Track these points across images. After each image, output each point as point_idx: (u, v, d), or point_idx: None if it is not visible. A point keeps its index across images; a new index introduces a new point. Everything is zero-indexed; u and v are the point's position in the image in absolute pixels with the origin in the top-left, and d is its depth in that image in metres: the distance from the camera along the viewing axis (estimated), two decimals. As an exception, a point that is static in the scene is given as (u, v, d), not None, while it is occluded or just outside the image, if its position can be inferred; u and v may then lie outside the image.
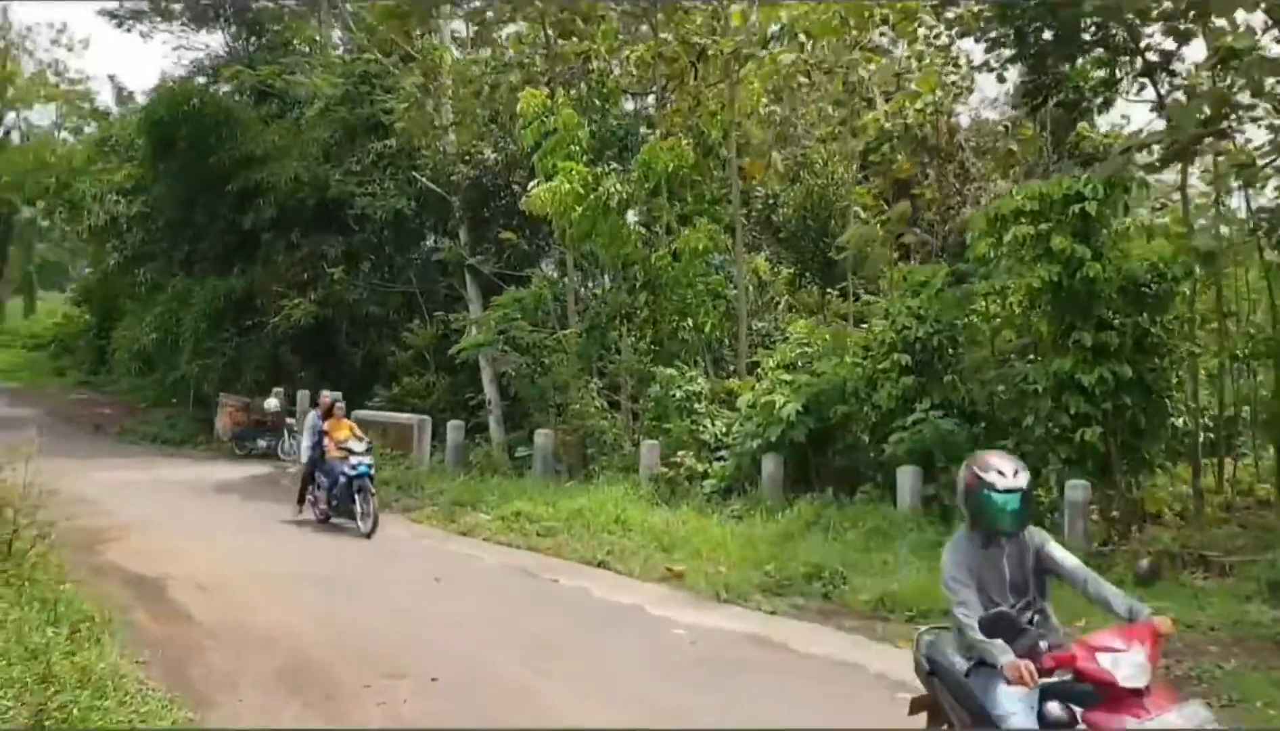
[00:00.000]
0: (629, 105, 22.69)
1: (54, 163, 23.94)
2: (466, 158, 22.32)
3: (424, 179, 22.43)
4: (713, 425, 15.74)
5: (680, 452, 15.05)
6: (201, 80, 24.30)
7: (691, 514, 12.95)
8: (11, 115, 38.39)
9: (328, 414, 14.18)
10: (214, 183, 22.87)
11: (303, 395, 21.57)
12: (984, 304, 12.93)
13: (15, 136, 39.17)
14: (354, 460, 12.97)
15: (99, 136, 26.08)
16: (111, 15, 30.92)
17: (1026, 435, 12.09)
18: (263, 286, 23.13)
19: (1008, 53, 14.12)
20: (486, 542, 12.50)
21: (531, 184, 15.35)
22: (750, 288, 18.50)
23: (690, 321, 15.95)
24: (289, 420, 21.00)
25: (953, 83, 15.54)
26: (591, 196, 14.35)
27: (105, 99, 36.15)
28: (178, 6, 30.56)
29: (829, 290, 20.45)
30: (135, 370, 22.92)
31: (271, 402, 20.87)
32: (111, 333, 27.32)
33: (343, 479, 12.99)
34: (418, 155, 22.96)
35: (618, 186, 14.43)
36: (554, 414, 18.37)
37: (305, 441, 14.06)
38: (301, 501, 13.87)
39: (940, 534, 11.28)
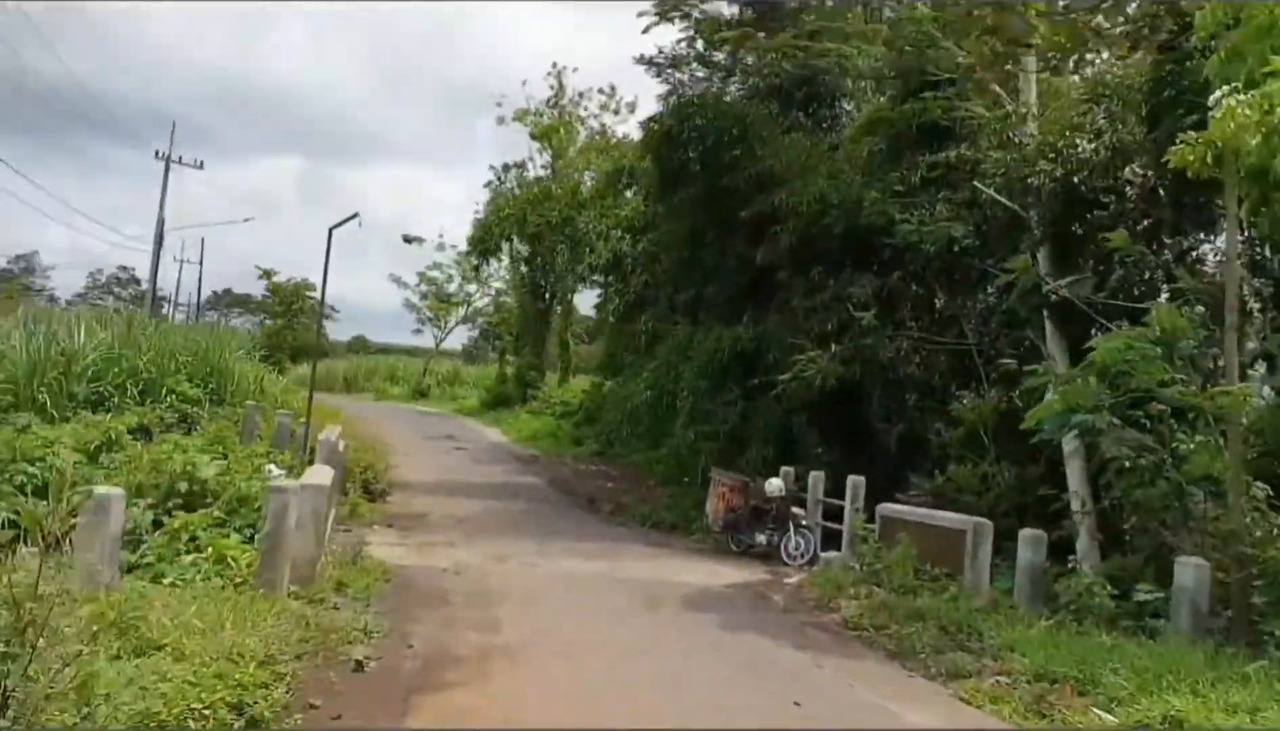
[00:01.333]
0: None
1: (558, 195, 22.41)
2: (1052, 154, 16.36)
3: (989, 190, 16.90)
4: None
5: None
6: (715, 82, 21.15)
7: None
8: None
9: None
10: (725, 210, 19.59)
11: (816, 478, 16.96)
12: None
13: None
14: None
15: (610, 167, 24.50)
16: (650, 63, 29.92)
17: None
18: (775, 338, 19.16)
19: None
20: (1118, 784, 6.40)
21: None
22: None
23: None
24: (796, 510, 16.47)
25: None
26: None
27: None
28: (719, 56, 28.65)
29: None
30: (629, 434, 19.96)
31: (774, 484, 16.54)
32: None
33: None
34: (985, 159, 17.57)
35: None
36: (1202, 534, 11.65)
37: None
38: None
39: None
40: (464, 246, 42.41)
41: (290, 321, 48.98)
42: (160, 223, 50.58)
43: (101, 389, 21.11)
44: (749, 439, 18.96)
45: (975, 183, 17.34)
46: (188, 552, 10.03)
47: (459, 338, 70.86)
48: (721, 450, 18.88)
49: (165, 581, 9.15)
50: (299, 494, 9.18)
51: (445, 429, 34.75)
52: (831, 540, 16.49)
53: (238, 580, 9.27)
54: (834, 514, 16.70)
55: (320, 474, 10.81)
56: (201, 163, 52.53)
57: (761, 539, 16.55)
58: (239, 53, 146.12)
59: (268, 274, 50.26)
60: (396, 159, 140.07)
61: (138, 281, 58.62)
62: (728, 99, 20.23)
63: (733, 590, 13.38)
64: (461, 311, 58.07)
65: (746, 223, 19.49)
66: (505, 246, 23.50)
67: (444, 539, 14.87)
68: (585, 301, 40.17)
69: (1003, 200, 16.81)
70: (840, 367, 18.16)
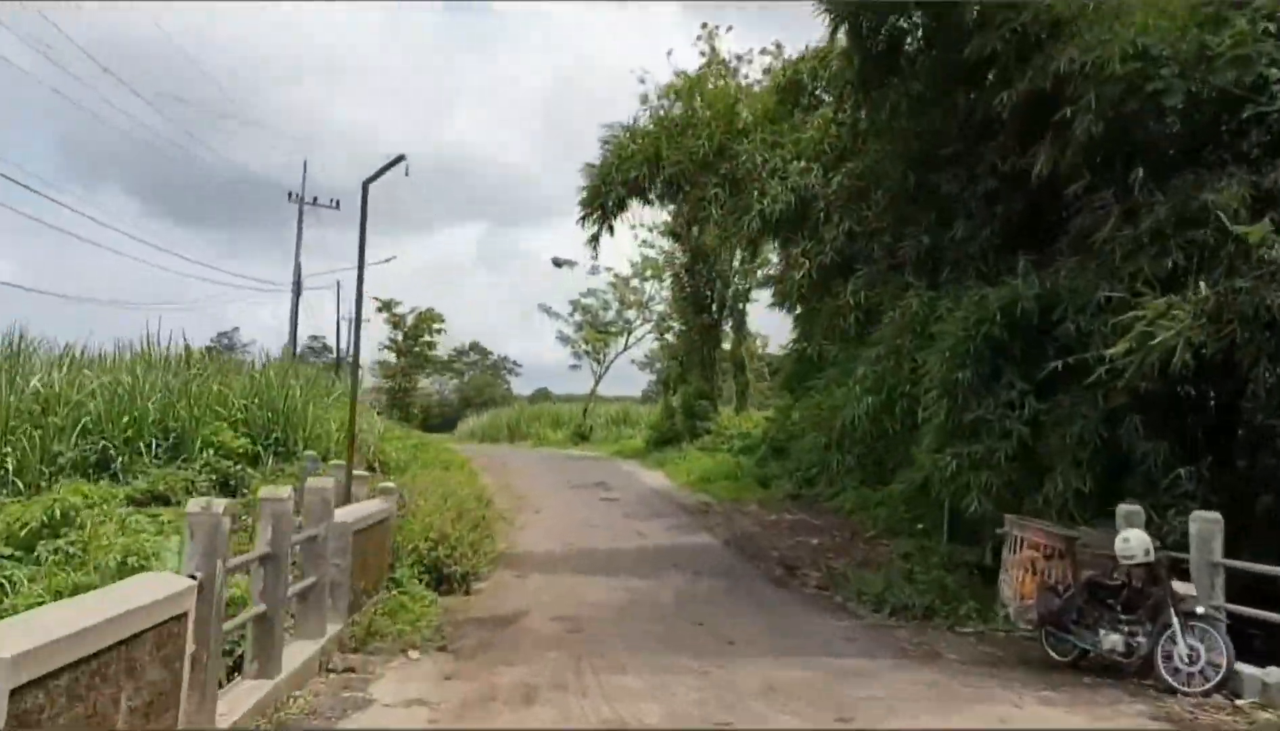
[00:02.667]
0: None
1: (705, 118, 15.54)
2: None
3: None
4: None
5: None
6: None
7: None
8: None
9: None
10: (971, 103, 12.25)
11: (1205, 526, 9.37)
12: None
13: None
14: None
15: (782, 77, 17.33)
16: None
17: None
18: (1074, 293, 11.75)
19: None
20: None
21: None
22: None
23: None
24: (1181, 587, 8.95)
25: None
26: None
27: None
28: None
29: None
30: (841, 466, 12.82)
31: (1135, 540, 9.17)
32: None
33: None
34: None
35: None
36: None
37: None
38: None
39: None
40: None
41: (417, 360, 43.78)
42: (297, 268, 47.01)
43: (109, 446, 15.61)
44: (1048, 461, 11.44)
45: None
46: None
47: (638, 384, 66.40)
48: (1007, 482, 11.41)
49: None
50: None
51: (598, 474, 28.31)
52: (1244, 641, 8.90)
53: None
54: (1240, 587, 9.12)
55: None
56: (337, 202, 48.74)
57: (1114, 640, 9.08)
58: (421, 134, 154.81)
59: (387, 305, 45.14)
60: (569, 214, 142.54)
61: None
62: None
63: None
64: (622, 341, 52.00)
65: (1009, 115, 12.14)
66: (634, 204, 16.76)
67: (526, 676, 8.13)
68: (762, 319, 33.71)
69: None
70: (1200, 331, 10.53)
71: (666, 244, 42.08)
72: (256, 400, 19.01)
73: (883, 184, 13.85)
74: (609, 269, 51.19)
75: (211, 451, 16.58)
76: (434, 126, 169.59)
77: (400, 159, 12.32)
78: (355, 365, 12.12)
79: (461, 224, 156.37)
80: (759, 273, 33.64)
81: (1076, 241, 12.43)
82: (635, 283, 50.89)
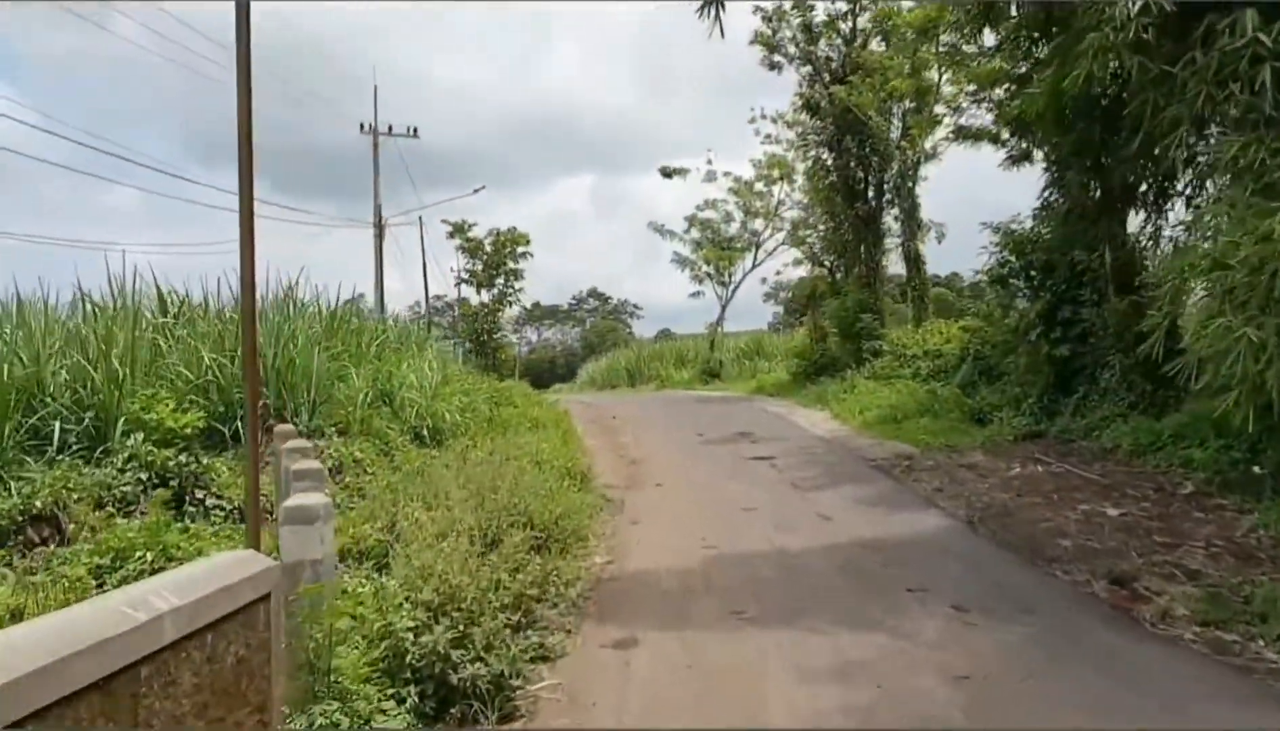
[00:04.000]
0: None
1: None
2: None
3: None
4: None
5: None
6: None
7: None
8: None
9: None
10: None
11: None
12: None
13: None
14: None
15: None
16: None
17: None
18: None
19: None
20: None
21: None
22: None
23: None
24: None
25: None
26: None
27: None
28: None
29: None
30: (1130, 378, 5.99)
31: None
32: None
33: None
34: None
35: None
36: None
37: None
38: None
39: None
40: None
41: (504, 295, 37.66)
42: (377, 209, 41.81)
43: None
44: None
45: None
46: None
47: (761, 317, 60.18)
48: None
49: None
50: None
51: (739, 420, 21.81)
52: None
53: None
54: None
55: None
56: (415, 130, 43.10)
57: None
58: (521, 87, 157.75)
59: (459, 229, 38.77)
60: (676, 153, 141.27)
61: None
62: None
63: None
64: (749, 259, 45.07)
65: None
66: None
67: None
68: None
69: None
70: None
71: (794, 136, 35.12)
72: (233, 356, 13.27)
73: None
74: (727, 173, 44.47)
75: (142, 436, 10.88)
76: (533, 80, 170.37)
77: None
78: (248, 257, 5.91)
79: (571, 176, 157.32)
80: (929, 140, 26.41)
81: None
82: (760, 186, 43.91)
